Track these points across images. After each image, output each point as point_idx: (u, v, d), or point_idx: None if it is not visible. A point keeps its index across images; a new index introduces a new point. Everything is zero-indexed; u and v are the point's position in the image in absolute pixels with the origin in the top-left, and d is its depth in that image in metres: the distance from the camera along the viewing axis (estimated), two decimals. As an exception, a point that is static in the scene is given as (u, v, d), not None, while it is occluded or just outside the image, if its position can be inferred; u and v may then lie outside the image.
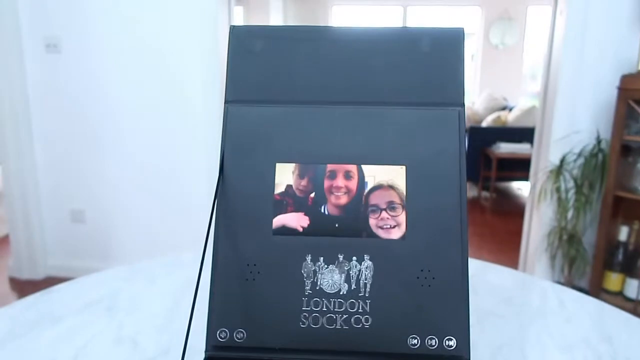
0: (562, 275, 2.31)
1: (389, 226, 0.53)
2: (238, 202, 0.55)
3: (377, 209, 0.53)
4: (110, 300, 0.82)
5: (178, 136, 2.41)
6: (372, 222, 0.53)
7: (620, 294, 2.17)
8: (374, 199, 0.53)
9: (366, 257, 0.53)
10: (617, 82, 2.04)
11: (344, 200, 0.54)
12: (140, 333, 0.72)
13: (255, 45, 0.60)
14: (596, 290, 2.19)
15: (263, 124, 0.57)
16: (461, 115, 0.56)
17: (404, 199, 0.53)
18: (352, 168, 0.55)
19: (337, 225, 0.53)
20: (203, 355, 0.52)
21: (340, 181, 0.54)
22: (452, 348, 0.51)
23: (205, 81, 2.34)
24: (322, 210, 0.54)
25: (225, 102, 0.58)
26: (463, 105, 0.57)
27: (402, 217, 0.53)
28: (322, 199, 0.54)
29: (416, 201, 0.54)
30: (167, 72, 2.35)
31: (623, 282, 2.16)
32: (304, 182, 0.55)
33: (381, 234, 0.53)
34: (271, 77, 0.58)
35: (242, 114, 0.57)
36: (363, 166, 0.54)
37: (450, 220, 0.54)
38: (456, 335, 0.51)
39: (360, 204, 0.53)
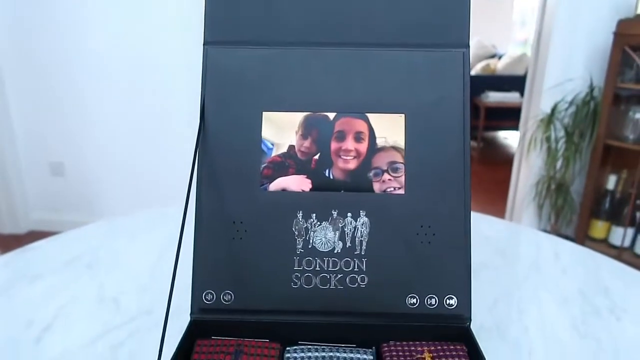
0: (549, 223, 2.33)
1: (392, 189, 0.49)
2: (222, 154, 0.50)
3: (380, 172, 0.49)
4: (91, 258, 0.78)
5: (160, 82, 2.30)
6: (376, 186, 0.49)
7: (604, 241, 2.20)
8: (376, 162, 0.49)
9: (362, 212, 0.49)
10: (613, 27, 1.98)
11: (352, 164, 0.49)
12: (122, 292, 0.68)
13: (237, -22, 0.53)
14: (582, 237, 2.22)
15: (247, 68, 0.51)
16: (466, 57, 0.51)
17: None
18: (364, 128, 0.50)
19: (342, 191, 0.49)
20: (189, 315, 0.49)
21: (350, 143, 0.50)
22: (452, 307, 0.48)
23: (186, 19, 2.21)
24: (327, 174, 0.50)
25: (204, 43, 0.52)
26: (468, 46, 0.51)
27: (403, 178, 0.49)
28: (327, 162, 0.50)
29: (416, 152, 0.50)
30: (146, 13, 2.22)
31: (608, 230, 2.18)
32: (307, 144, 0.50)
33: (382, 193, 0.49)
34: (256, 15, 0.52)
35: (223, 57, 0.51)
36: (372, 122, 0.49)
37: (452, 173, 0.50)
38: (457, 294, 0.49)
39: (367, 168, 0.49)
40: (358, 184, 0.49)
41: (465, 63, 0.51)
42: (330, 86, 0.50)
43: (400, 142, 0.49)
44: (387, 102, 0.50)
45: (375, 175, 0.49)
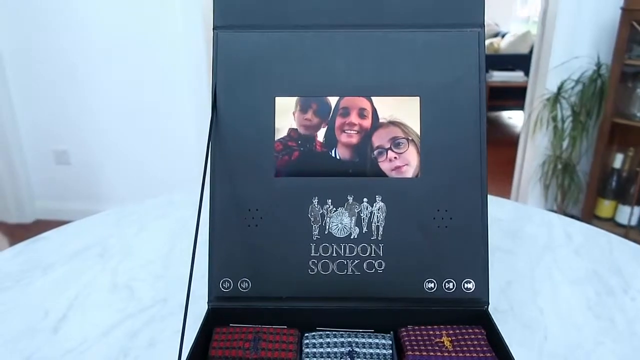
0: (555, 203, 2.32)
1: (400, 168, 0.49)
2: (235, 141, 0.49)
3: (383, 150, 0.48)
4: (101, 247, 0.78)
5: (163, 67, 2.28)
6: (384, 165, 0.48)
7: (611, 220, 2.19)
8: (377, 140, 0.49)
9: (378, 198, 0.48)
10: (621, 3, 1.94)
11: (355, 139, 0.49)
12: (135, 280, 0.69)
13: (244, -40, 0.51)
14: (588, 217, 2.22)
15: (259, 53, 0.50)
16: (481, 37, 0.50)
17: (411, 133, 0.49)
18: (367, 106, 0.49)
19: (350, 170, 0.49)
20: (203, 302, 0.48)
21: (354, 118, 0.49)
22: (470, 291, 0.48)
23: (188, 1, 2.18)
24: (334, 155, 0.49)
25: (214, 27, 0.51)
26: (483, 25, 0.50)
27: (409, 154, 0.48)
28: (332, 141, 0.49)
29: (431, 135, 0.49)
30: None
31: (615, 209, 2.17)
32: (308, 115, 0.49)
33: (394, 175, 0.48)
34: (265, -2, 0.51)
35: (234, 42, 0.50)
36: (375, 102, 0.49)
37: (469, 156, 0.49)
38: (475, 278, 0.48)
39: (367, 143, 0.49)
40: (365, 164, 0.49)
41: (481, 43, 0.50)
42: (344, 70, 0.49)
43: (398, 116, 0.49)
44: (401, 84, 0.49)
45: (380, 154, 0.49)
